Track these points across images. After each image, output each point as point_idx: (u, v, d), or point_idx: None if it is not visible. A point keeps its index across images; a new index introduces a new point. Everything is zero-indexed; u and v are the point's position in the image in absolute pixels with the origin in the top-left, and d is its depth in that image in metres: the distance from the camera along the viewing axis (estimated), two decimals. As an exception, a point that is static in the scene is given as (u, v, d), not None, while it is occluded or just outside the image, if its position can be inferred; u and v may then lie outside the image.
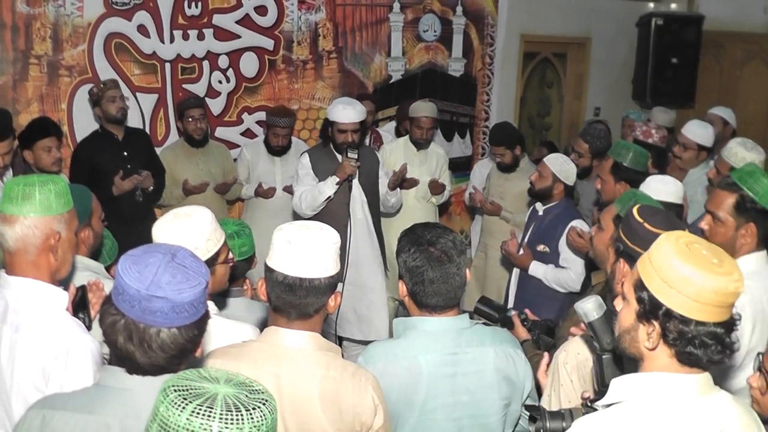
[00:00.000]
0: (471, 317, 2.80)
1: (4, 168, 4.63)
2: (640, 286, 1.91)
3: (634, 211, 2.56)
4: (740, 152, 4.66)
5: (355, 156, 5.14)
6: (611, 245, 3.24)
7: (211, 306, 2.84)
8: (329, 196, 5.19)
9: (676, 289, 1.83)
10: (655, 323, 1.88)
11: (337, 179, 5.16)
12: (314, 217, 5.03)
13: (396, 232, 5.45)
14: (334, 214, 5.13)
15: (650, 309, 1.88)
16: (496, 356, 2.67)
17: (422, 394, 2.60)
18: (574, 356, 2.52)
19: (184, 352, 1.89)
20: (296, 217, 5.38)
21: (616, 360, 2.25)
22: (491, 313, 3.50)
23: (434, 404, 2.61)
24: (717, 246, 1.96)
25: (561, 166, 4.89)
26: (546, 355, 2.75)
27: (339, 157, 5.28)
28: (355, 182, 5.32)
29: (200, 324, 1.91)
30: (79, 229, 3.11)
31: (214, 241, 2.68)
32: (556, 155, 5.06)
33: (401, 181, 5.71)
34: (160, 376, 1.90)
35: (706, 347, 1.85)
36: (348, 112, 5.23)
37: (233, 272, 3.25)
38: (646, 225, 2.48)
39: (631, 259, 2.49)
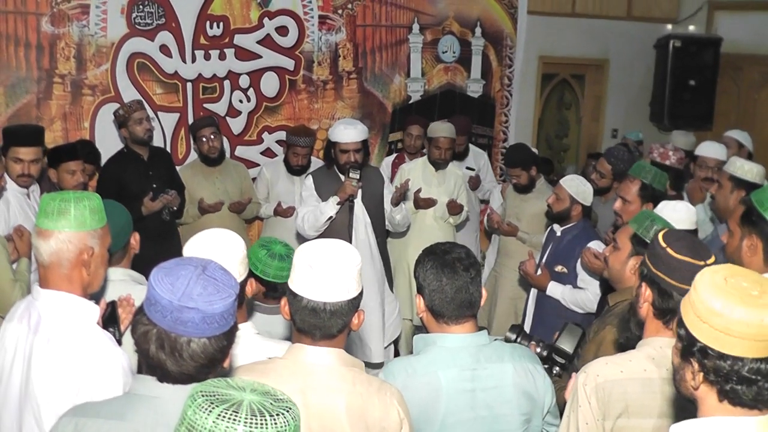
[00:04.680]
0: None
1: (30, 177, 4.69)
2: (680, 323, 1.87)
3: (660, 236, 2.55)
4: (738, 162, 4.70)
5: (357, 176, 5.16)
6: (634, 266, 3.26)
7: (250, 326, 2.87)
8: (331, 217, 5.20)
9: (708, 323, 1.77)
10: (694, 361, 1.82)
11: (338, 199, 5.18)
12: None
13: (414, 251, 5.51)
14: (335, 235, 5.07)
15: (688, 345, 1.83)
16: (515, 372, 2.69)
17: (442, 409, 2.61)
18: (594, 378, 2.51)
19: (213, 361, 1.94)
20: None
21: None
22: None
23: (454, 419, 2.62)
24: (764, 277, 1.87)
25: (578, 188, 4.90)
26: (574, 375, 2.76)
27: (343, 178, 5.30)
28: (358, 203, 5.33)
29: (229, 335, 1.95)
30: (130, 234, 3.19)
31: (245, 266, 2.72)
32: (571, 176, 5.06)
33: (403, 196, 5.67)
34: (189, 384, 1.93)
35: (751, 384, 1.75)
36: (349, 132, 5.27)
37: (274, 291, 3.30)
38: (669, 250, 2.47)
39: (653, 283, 2.51)
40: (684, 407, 2.50)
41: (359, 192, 5.28)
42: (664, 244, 2.50)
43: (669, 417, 2.50)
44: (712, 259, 2.47)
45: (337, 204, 5.19)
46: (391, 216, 5.59)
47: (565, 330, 3.37)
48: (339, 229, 5.23)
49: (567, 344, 3.28)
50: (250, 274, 3.40)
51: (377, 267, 5.54)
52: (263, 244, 3.47)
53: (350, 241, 5.21)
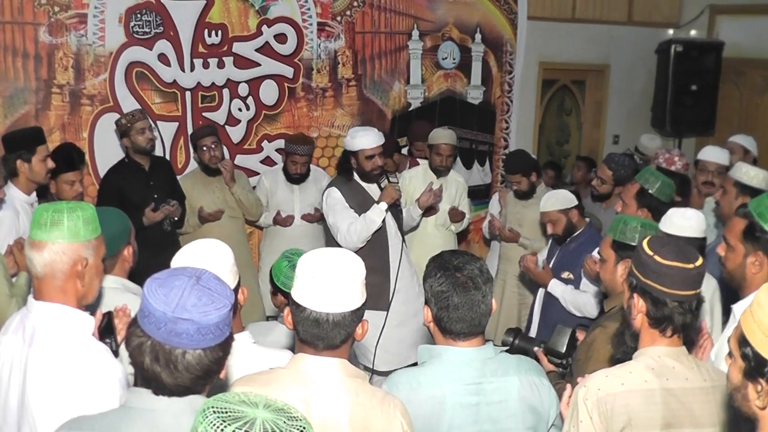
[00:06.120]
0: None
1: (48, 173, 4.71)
2: (743, 342, 1.81)
3: (644, 244, 2.53)
4: (744, 167, 4.67)
5: (397, 180, 5.14)
6: (623, 272, 3.24)
7: (247, 336, 2.83)
8: (380, 224, 5.16)
9: None
10: (763, 381, 1.77)
11: (386, 205, 5.13)
12: (360, 249, 5.02)
13: (415, 258, 5.51)
14: (375, 244, 5.19)
15: (756, 366, 1.78)
16: (521, 385, 2.66)
17: (446, 423, 2.58)
18: (595, 392, 2.49)
19: (209, 373, 1.92)
20: (314, 245, 5.36)
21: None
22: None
23: (458, 434, 2.60)
24: None
25: (556, 200, 4.92)
26: (568, 386, 2.73)
27: (366, 186, 5.28)
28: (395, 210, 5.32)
29: (225, 346, 1.94)
30: (123, 246, 3.16)
31: (234, 275, 2.68)
32: (546, 197, 5.04)
33: (437, 201, 5.69)
34: (185, 396, 1.92)
35: None
36: (371, 137, 5.22)
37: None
38: (656, 257, 2.45)
39: (645, 293, 2.49)
40: (689, 417, 2.46)
41: (401, 195, 5.29)
42: (650, 252, 2.48)
43: (673, 427, 2.46)
44: (700, 261, 2.46)
45: (386, 210, 5.15)
46: (409, 216, 5.61)
47: (554, 332, 3.48)
48: (377, 236, 5.24)
49: (558, 344, 3.42)
50: (275, 287, 3.38)
51: (413, 269, 5.52)
52: (286, 255, 3.47)
53: (387, 248, 5.29)
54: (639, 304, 2.51)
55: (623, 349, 2.70)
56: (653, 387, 2.46)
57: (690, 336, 2.60)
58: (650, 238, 2.58)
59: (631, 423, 2.45)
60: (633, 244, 3.27)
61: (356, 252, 4.66)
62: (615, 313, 3.28)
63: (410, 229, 5.93)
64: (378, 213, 5.13)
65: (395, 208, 5.33)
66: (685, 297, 2.45)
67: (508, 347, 3.59)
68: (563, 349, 3.41)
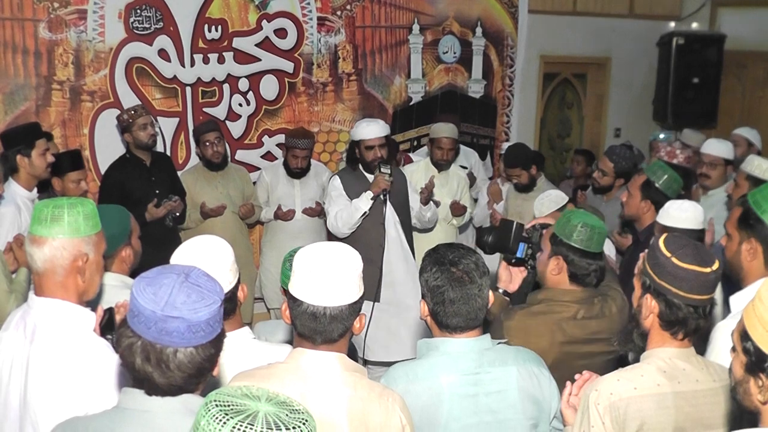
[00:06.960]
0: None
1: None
2: (745, 336, 1.80)
3: (661, 243, 2.44)
4: (756, 160, 4.64)
5: (388, 171, 5.17)
6: (554, 267, 3.17)
7: (247, 331, 2.83)
8: (365, 212, 5.20)
9: None
10: (763, 376, 1.76)
11: (372, 194, 5.17)
12: (350, 238, 5.09)
13: (417, 252, 5.49)
14: (369, 234, 5.20)
15: (756, 361, 1.77)
16: (520, 375, 2.64)
17: (444, 414, 2.57)
18: (607, 396, 2.42)
19: (201, 371, 1.90)
20: (315, 239, 5.36)
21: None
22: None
23: (457, 425, 2.59)
24: None
25: (551, 202, 4.90)
26: (568, 384, 2.70)
27: (369, 177, 5.32)
28: (387, 201, 5.33)
29: (216, 343, 1.91)
30: (120, 248, 3.15)
31: (234, 272, 2.66)
32: (538, 204, 5.00)
33: (431, 194, 5.69)
34: (178, 396, 1.90)
35: None
36: (372, 128, 5.30)
37: None
38: (674, 259, 2.38)
39: (659, 295, 2.42)
40: (700, 419, 2.44)
41: (390, 186, 5.28)
42: (668, 253, 2.40)
43: (684, 431, 2.43)
44: (716, 264, 2.39)
45: (371, 199, 5.19)
46: (420, 214, 5.63)
47: (499, 227, 3.56)
48: (372, 226, 5.28)
49: (504, 239, 3.47)
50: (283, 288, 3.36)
51: (411, 264, 5.52)
52: (291, 254, 3.43)
53: (383, 239, 5.30)
54: (651, 304, 2.44)
55: (630, 347, 2.66)
56: (665, 391, 2.41)
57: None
58: (666, 237, 2.48)
59: (643, 428, 2.40)
60: (568, 242, 3.14)
61: (351, 240, 4.69)
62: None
63: (432, 227, 5.95)
64: (364, 201, 5.19)
65: (392, 198, 5.32)
66: (701, 301, 2.39)
67: (483, 248, 3.56)
68: (509, 243, 3.44)
